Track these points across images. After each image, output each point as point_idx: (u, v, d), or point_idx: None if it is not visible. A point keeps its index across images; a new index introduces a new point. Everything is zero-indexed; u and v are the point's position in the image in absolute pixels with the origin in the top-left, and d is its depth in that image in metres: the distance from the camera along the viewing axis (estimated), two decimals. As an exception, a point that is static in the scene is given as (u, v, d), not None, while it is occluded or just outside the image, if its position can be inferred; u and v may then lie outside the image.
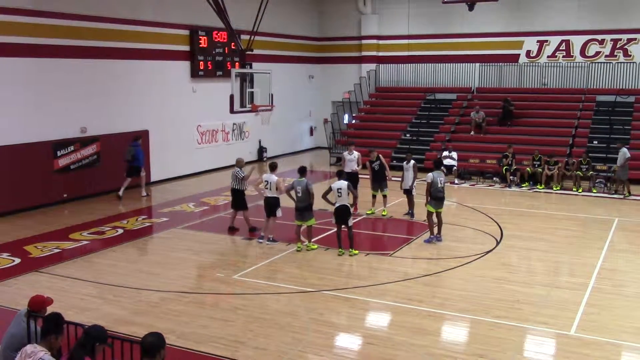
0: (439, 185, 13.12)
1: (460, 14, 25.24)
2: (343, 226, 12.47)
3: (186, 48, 21.25)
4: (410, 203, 15.54)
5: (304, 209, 12.67)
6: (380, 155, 16.04)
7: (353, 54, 29.06)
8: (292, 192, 12.78)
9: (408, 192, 15.48)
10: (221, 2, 15.25)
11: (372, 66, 28.44)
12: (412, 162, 15.38)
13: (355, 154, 16.11)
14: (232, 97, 15.15)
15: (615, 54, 24.16)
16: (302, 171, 13.00)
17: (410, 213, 15.54)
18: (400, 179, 15.68)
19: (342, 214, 12.36)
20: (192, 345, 8.26)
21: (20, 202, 15.96)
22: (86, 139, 17.72)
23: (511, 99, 23.92)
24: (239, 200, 14.25)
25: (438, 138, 24.01)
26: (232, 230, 14.29)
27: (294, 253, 12.63)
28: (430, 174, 13.18)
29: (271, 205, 13.19)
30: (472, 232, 14.34)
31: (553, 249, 13.03)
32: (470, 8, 22.76)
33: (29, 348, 5.58)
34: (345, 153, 16.42)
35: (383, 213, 15.89)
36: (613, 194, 18.73)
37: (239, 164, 14.34)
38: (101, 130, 18.16)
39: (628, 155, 18.70)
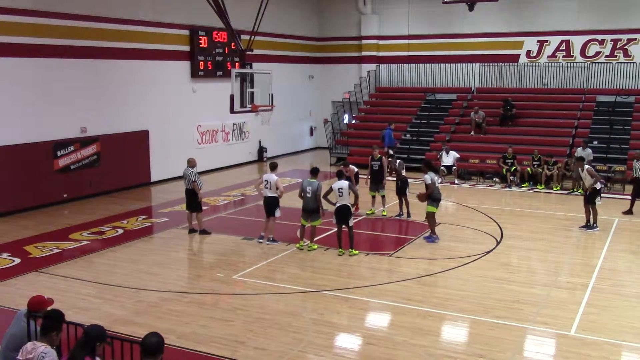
0: (437, 185, 13.26)
1: (460, 14, 25.25)
2: (343, 226, 12.46)
3: (186, 48, 21.25)
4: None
5: (312, 210, 12.57)
6: (382, 156, 16.04)
7: (353, 54, 29.06)
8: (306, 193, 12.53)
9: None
10: (221, 2, 15.23)
11: (372, 66, 28.44)
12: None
13: (351, 168, 15.82)
14: (232, 97, 15.14)
15: (615, 54, 24.17)
16: (315, 172, 12.86)
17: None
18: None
19: (342, 214, 12.34)
20: (192, 345, 8.25)
21: (21, 202, 15.96)
22: (86, 139, 17.71)
23: (511, 99, 23.92)
24: (193, 201, 14.12)
25: (438, 138, 24.00)
26: (193, 232, 14.16)
27: (294, 253, 12.62)
28: (427, 176, 13.19)
29: (270, 205, 13.16)
30: (472, 232, 14.34)
31: (553, 249, 13.03)
32: (470, 8, 22.78)
33: (29, 345, 5.61)
34: (342, 167, 16.26)
35: (383, 213, 15.90)
36: (573, 191, 18.99)
37: (191, 164, 14.11)
38: (101, 130, 18.16)
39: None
